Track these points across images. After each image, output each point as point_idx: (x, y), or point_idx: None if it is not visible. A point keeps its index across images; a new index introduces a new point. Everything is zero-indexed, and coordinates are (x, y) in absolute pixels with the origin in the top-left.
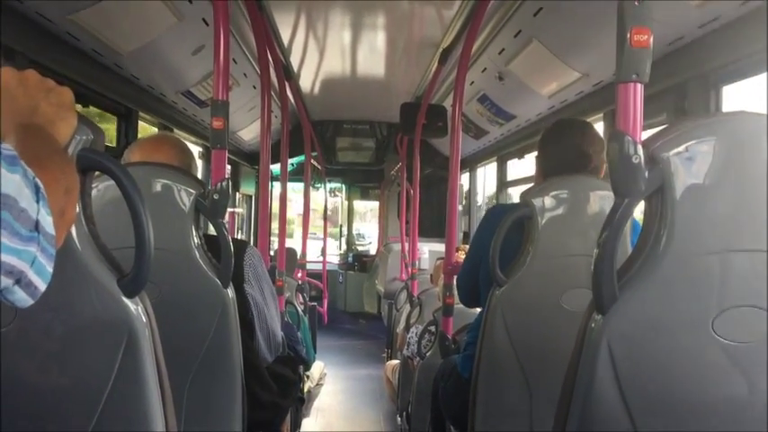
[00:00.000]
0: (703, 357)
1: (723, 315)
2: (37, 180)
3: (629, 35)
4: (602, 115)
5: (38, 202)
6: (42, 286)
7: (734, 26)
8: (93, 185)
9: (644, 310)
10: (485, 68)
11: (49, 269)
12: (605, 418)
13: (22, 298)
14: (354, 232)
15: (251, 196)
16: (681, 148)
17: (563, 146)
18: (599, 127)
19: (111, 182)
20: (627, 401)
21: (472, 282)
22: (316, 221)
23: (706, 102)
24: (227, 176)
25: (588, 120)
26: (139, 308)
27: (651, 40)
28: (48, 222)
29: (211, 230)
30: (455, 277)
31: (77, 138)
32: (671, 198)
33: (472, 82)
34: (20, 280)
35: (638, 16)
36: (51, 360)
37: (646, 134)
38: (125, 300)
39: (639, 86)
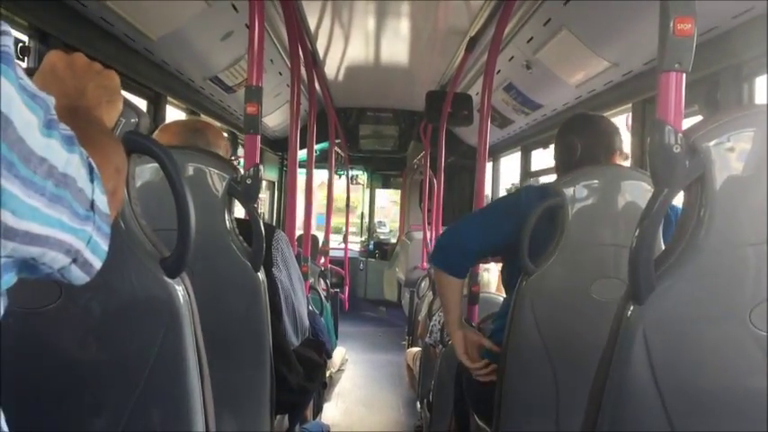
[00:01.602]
0: (740, 349)
1: (760, 307)
2: (90, 160)
3: (672, 23)
4: (630, 106)
5: (92, 181)
6: (98, 264)
7: None
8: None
9: (681, 300)
10: (512, 57)
11: (105, 247)
12: (639, 407)
13: (79, 276)
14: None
15: (273, 182)
16: (722, 139)
17: (587, 135)
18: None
19: (147, 165)
20: (661, 392)
21: (478, 243)
22: None
23: (739, 93)
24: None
25: (616, 110)
26: (181, 288)
27: (695, 28)
28: (102, 201)
29: (239, 214)
30: (480, 266)
31: (122, 120)
32: (710, 188)
33: (499, 70)
34: (76, 259)
35: (682, 4)
36: (96, 337)
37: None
38: (168, 280)
39: (682, 76)
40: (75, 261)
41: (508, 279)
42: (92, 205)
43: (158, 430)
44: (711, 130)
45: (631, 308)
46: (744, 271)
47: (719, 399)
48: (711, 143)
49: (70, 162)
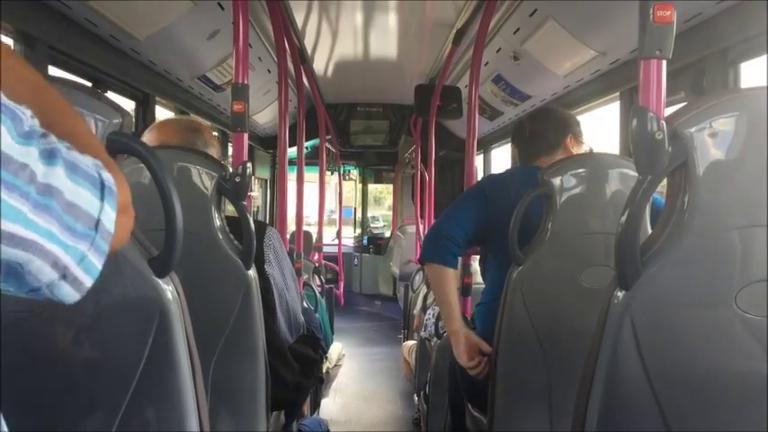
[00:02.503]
0: (726, 332)
1: (746, 289)
2: (103, 174)
3: (651, 11)
4: (618, 94)
5: (102, 199)
6: (89, 282)
7: (752, 2)
8: None
9: (667, 285)
10: (499, 48)
11: (99, 266)
12: (628, 392)
13: (69, 293)
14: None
15: (266, 180)
16: (704, 124)
17: (538, 119)
18: (615, 106)
19: (135, 167)
20: (650, 376)
21: (458, 228)
22: None
23: (724, 79)
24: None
25: (604, 99)
26: (170, 287)
27: (674, 15)
28: (109, 219)
29: (230, 212)
30: (471, 257)
31: (106, 121)
32: (693, 174)
33: (487, 62)
34: (66, 275)
35: None
36: (85, 337)
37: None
38: (156, 279)
39: (662, 63)
40: (64, 277)
41: (483, 267)
42: (96, 224)
43: (152, 429)
44: (693, 116)
45: (618, 294)
46: (729, 255)
47: (707, 381)
48: (693, 129)
49: (48, 174)
